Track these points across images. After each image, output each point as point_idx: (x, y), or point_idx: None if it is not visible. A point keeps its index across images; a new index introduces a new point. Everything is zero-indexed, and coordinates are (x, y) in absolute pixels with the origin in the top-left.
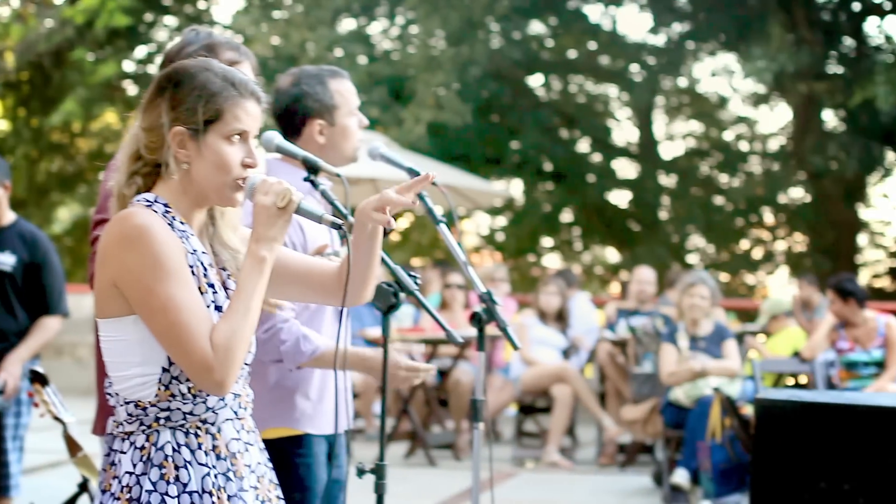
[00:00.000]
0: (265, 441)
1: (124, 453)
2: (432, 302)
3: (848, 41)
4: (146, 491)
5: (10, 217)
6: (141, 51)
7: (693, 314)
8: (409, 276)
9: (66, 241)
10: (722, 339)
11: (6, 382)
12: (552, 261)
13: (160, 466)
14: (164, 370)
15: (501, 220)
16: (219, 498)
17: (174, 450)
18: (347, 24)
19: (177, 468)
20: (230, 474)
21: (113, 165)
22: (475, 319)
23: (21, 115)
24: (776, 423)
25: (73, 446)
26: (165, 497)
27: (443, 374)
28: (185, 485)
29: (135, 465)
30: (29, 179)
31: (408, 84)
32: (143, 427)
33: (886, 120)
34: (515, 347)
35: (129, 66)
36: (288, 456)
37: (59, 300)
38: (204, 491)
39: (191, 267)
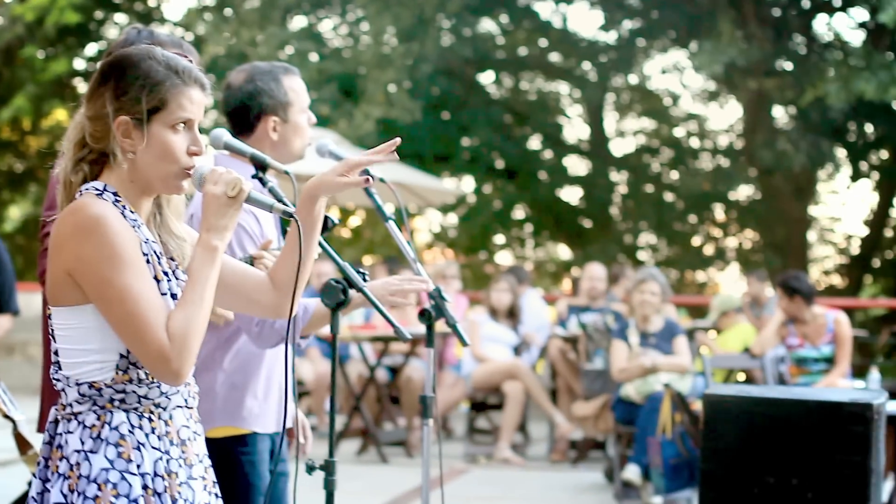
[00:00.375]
0: (210, 440)
1: (71, 433)
2: None
3: (798, 38)
4: (102, 469)
5: None
6: (91, 48)
7: (643, 310)
8: (358, 272)
9: (18, 239)
10: (672, 336)
11: None
12: (504, 258)
13: (117, 445)
14: (122, 356)
15: (453, 218)
16: (171, 482)
17: (129, 431)
18: (298, 22)
19: (132, 448)
20: (181, 461)
21: (52, 187)
22: (424, 316)
23: None
24: (724, 418)
25: (23, 444)
26: (126, 474)
27: (394, 371)
28: (138, 466)
29: (83, 443)
30: None
31: (358, 81)
32: (96, 407)
33: (836, 117)
34: (465, 344)
35: (79, 63)
36: (234, 454)
37: (9, 298)
38: (157, 474)
39: (145, 255)
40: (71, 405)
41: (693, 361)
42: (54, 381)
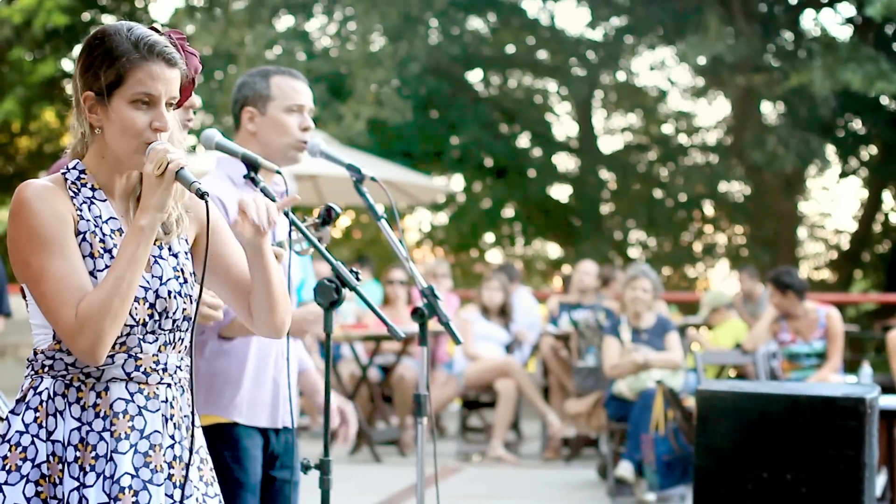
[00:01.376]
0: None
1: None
2: (368, 294)
3: (785, 34)
4: (17, 431)
5: None
6: (79, 50)
7: (635, 307)
8: (351, 272)
9: (6, 243)
10: (664, 332)
11: None
12: (494, 256)
13: (35, 409)
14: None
15: (443, 216)
16: (85, 453)
17: (49, 397)
18: (286, 22)
19: (47, 415)
20: (105, 434)
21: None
22: (417, 315)
23: None
24: (718, 414)
25: None
26: (35, 439)
27: (386, 370)
28: (50, 433)
29: (14, 406)
30: None
31: (347, 81)
32: (31, 372)
33: (825, 113)
34: (457, 342)
35: (68, 65)
36: (214, 446)
37: (0, 301)
38: (70, 443)
39: (83, 233)
40: (25, 371)
41: (685, 358)
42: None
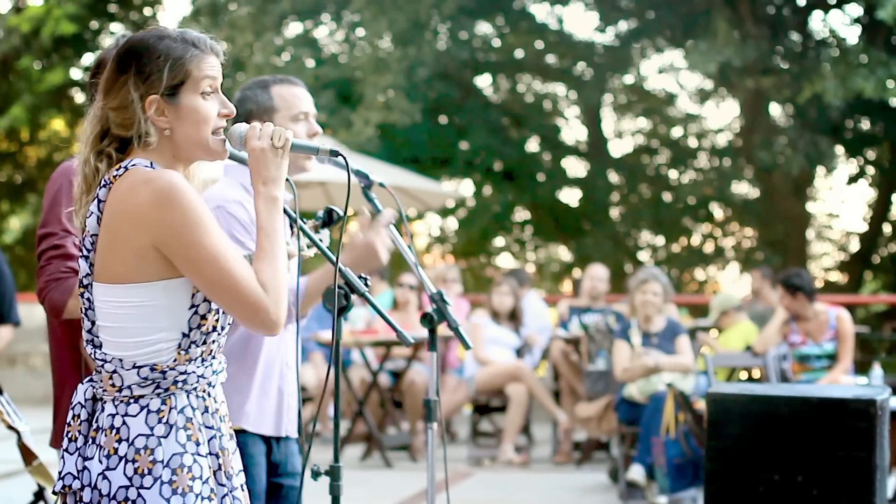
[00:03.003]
0: None
1: (133, 416)
2: (382, 303)
3: (794, 36)
4: (174, 453)
5: None
6: (88, 58)
7: (646, 310)
8: (359, 277)
9: (17, 250)
10: (675, 335)
11: None
12: (504, 260)
13: (185, 428)
14: (185, 335)
15: (452, 221)
16: (224, 459)
17: (192, 412)
18: (294, 28)
19: (198, 430)
20: (229, 436)
21: (55, 177)
22: (426, 320)
23: None
24: (728, 417)
25: (28, 455)
26: (197, 457)
27: (397, 375)
28: (198, 446)
29: (152, 428)
30: None
31: (356, 86)
32: (160, 390)
33: (834, 115)
34: (467, 347)
35: (76, 73)
36: None
37: (10, 309)
38: (211, 452)
39: None
40: (130, 388)
41: (695, 361)
42: (97, 361)
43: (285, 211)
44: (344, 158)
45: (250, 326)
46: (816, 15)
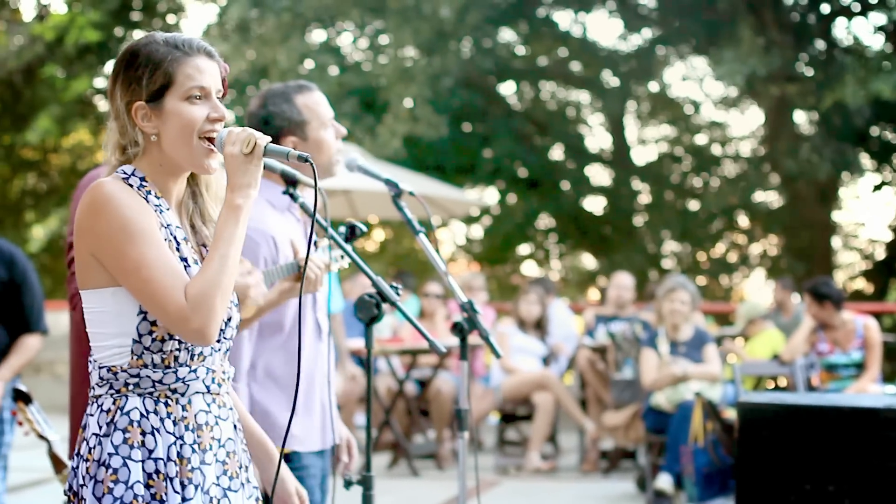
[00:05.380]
0: None
1: (92, 416)
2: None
3: (818, 43)
4: (108, 453)
5: None
6: (112, 66)
7: (673, 319)
8: (391, 287)
9: (42, 258)
10: (702, 344)
11: None
12: (528, 268)
13: (124, 430)
14: (136, 341)
15: (477, 229)
16: (182, 467)
17: (142, 415)
18: (318, 36)
19: (143, 434)
20: (195, 446)
21: (82, 185)
22: (457, 329)
23: None
24: (760, 426)
25: (58, 463)
26: (128, 461)
27: (423, 384)
28: (150, 451)
29: (100, 427)
30: (2, 197)
31: (379, 94)
32: (112, 391)
33: (859, 122)
34: (497, 356)
35: (100, 82)
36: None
37: (38, 318)
38: (169, 458)
39: (165, 240)
40: (93, 388)
41: (722, 369)
42: (89, 364)
43: (318, 221)
44: (312, 165)
45: (178, 335)
46: (840, 22)
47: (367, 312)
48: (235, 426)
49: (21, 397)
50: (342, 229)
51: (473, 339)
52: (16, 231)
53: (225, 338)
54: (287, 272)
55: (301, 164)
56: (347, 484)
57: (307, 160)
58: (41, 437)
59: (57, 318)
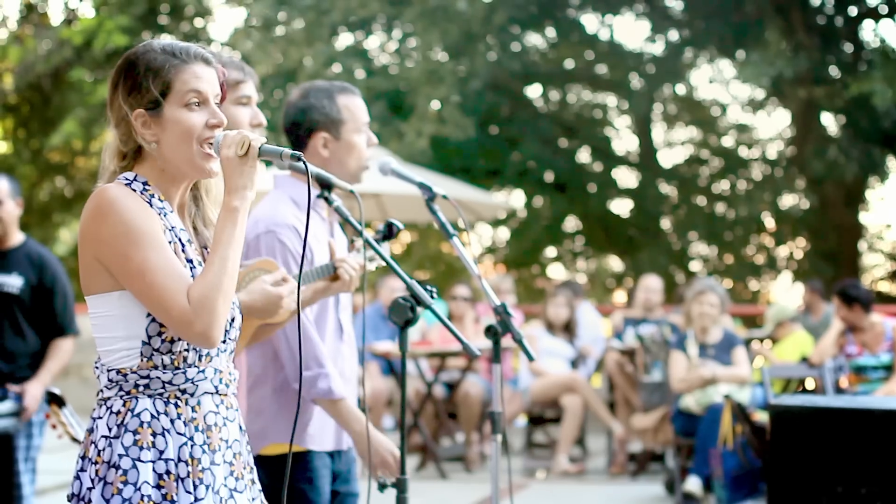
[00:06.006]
0: (266, 457)
1: (101, 418)
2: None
3: (846, 45)
4: (118, 455)
5: (19, 238)
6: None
7: (702, 322)
8: (425, 289)
9: (69, 261)
10: (731, 347)
11: (24, 405)
12: (555, 271)
13: (134, 432)
14: (145, 343)
15: (504, 232)
16: (193, 468)
17: (153, 416)
18: (345, 40)
19: (154, 435)
20: (205, 447)
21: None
22: (490, 332)
23: (21, 136)
24: (791, 429)
25: None
26: (137, 462)
27: (451, 386)
28: (161, 451)
29: (110, 430)
30: (30, 201)
31: (407, 97)
32: (122, 393)
33: (886, 123)
34: (531, 359)
35: None
36: (291, 472)
37: (70, 321)
38: (180, 459)
39: (169, 242)
40: (102, 391)
41: (751, 372)
42: (94, 370)
43: (348, 221)
44: (305, 164)
45: (182, 337)
46: (868, 24)
47: (402, 315)
48: (241, 427)
49: (55, 400)
50: (380, 227)
51: (505, 341)
52: (43, 234)
53: (230, 339)
54: (322, 274)
55: (295, 162)
56: (381, 487)
57: (300, 159)
58: (74, 439)
59: (83, 322)
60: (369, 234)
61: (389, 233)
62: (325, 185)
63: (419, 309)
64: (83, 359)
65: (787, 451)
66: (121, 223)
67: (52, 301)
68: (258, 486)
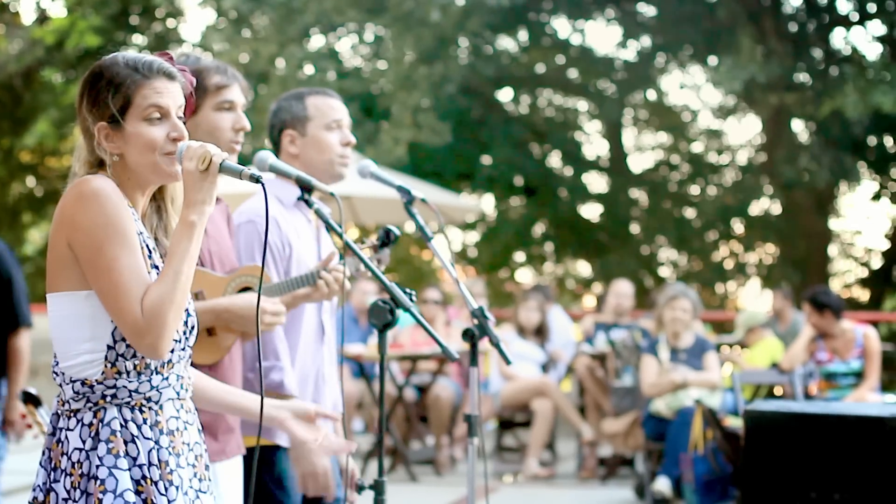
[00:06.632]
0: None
1: (71, 430)
2: (406, 319)
3: (816, 52)
4: (95, 465)
5: None
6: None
7: (675, 327)
8: (405, 293)
9: (39, 261)
10: (703, 352)
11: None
12: (523, 275)
13: (107, 441)
14: (110, 347)
15: (473, 236)
16: (163, 470)
17: (121, 425)
18: (317, 42)
19: (125, 443)
20: (170, 449)
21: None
22: (468, 335)
23: None
24: (766, 434)
25: None
26: (114, 470)
27: (422, 390)
28: (134, 458)
29: (84, 442)
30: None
31: (379, 100)
32: (90, 405)
33: (857, 130)
34: (508, 362)
35: None
36: (260, 470)
37: (27, 312)
38: (151, 463)
39: (140, 247)
40: (68, 402)
41: (721, 377)
42: (53, 376)
43: (328, 224)
44: (263, 186)
45: (133, 347)
46: (838, 32)
47: (382, 318)
48: (199, 430)
49: (31, 400)
50: (379, 233)
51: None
52: (13, 234)
53: (188, 345)
54: (303, 283)
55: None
56: (360, 489)
57: (258, 181)
58: None
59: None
60: (359, 243)
61: (388, 239)
62: (306, 188)
63: (398, 311)
64: (51, 359)
65: (761, 457)
66: (102, 215)
67: (11, 293)
68: (218, 487)
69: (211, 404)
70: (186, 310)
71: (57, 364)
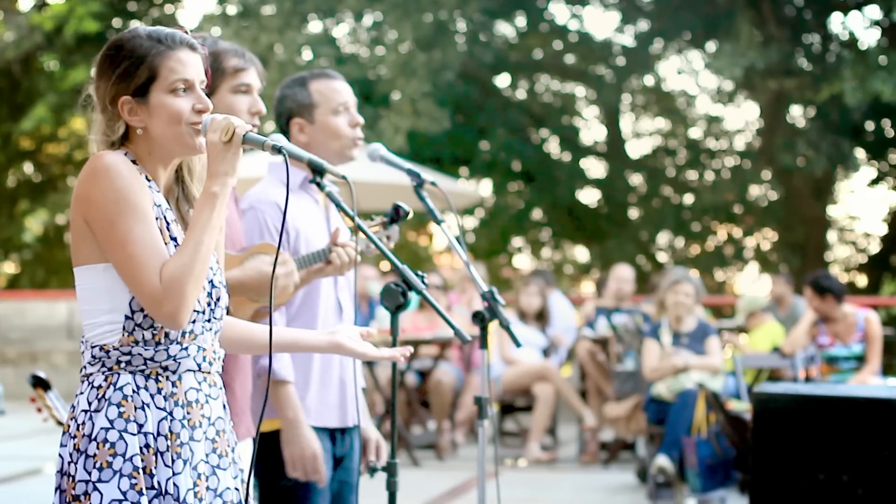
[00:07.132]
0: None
1: (82, 394)
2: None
3: (814, 37)
4: (102, 428)
5: None
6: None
7: (677, 311)
8: (417, 275)
9: (36, 248)
10: (705, 336)
11: None
12: (521, 261)
13: (118, 405)
14: (128, 317)
15: (472, 221)
16: (172, 442)
17: (134, 391)
18: (314, 27)
19: (135, 409)
20: (184, 422)
21: None
22: (478, 318)
23: None
24: (775, 417)
25: None
26: (124, 434)
27: (424, 374)
28: (141, 426)
29: (90, 404)
30: None
31: (377, 86)
32: (104, 369)
33: (855, 116)
34: (518, 345)
35: None
36: (278, 450)
37: None
38: (160, 433)
39: (156, 219)
40: (84, 367)
41: (723, 361)
42: (80, 344)
43: (340, 207)
44: (285, 157)
45: (150, 314)
46: (836, 17)
47: (394, 300)
48: (225, 406)
49: (40, 384)
50: (388, 210)
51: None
52: (10, 221)
53: (215, 318)
54: (317, 259)
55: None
56: (372, 471)
57: (280, 151)
58: (59, 423)
59: (52, 308)
60: (368, 220)
61: (397, 215)
62: (317, 171)
63: (410, 294)
64: (52, 345)
65: (770, 439)
66: (112, 189)
67: None
68: (240, 465)
69: (263, 347)
70: (212, 282)
71: (84, 334)
